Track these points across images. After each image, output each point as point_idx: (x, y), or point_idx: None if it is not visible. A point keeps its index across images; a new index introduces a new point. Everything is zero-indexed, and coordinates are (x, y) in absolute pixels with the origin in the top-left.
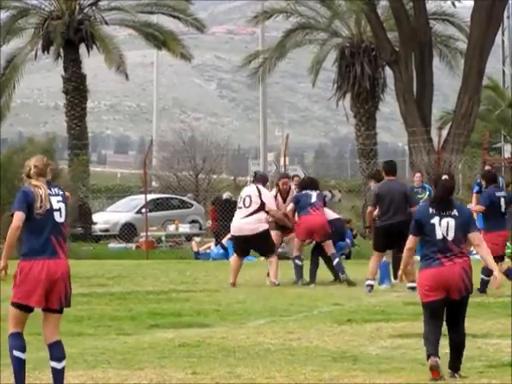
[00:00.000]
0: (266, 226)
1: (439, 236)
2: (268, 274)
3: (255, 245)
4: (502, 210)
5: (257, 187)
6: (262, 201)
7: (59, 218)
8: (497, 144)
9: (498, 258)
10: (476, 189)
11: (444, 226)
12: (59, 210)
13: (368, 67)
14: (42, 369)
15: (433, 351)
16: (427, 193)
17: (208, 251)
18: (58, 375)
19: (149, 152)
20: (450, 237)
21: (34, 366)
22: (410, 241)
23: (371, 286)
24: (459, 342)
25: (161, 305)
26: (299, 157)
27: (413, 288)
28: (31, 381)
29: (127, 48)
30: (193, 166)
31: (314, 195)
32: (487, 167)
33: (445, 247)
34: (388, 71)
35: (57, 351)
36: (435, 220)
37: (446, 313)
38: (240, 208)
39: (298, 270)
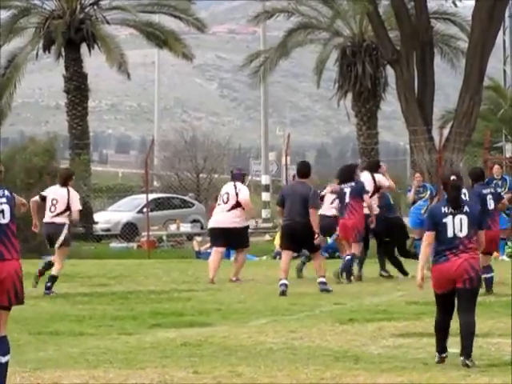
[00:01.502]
0: (245, 224)
1: (450, 234)
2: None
3: (231, 238)
4: (490, 207)
5: (234, 184)
6: (238, 197)
7: (2, 219)
8: (498, 143)
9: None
10: None
11: (458, 223)
12: (2, 211)
13: (369, 66)
14: (44, 368)
15: (440, 347)
16: (428, 192)
17: (209, 250)
18: (1, 369)
19: (150, 151)
20: (464, 233)
21: (36, 365)
22: (427, 237)
23: (285, 285)
24: (469, 328)
25: (162, 304)
26: (301, 156)
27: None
28: (32, 380)
29: (128, 47)
30: (194, 165)
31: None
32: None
33: (455, 244)
34: (389, 70)
35: (1, 346)
36: (448, 219)
37: (457, 302)
38: (219, 205)
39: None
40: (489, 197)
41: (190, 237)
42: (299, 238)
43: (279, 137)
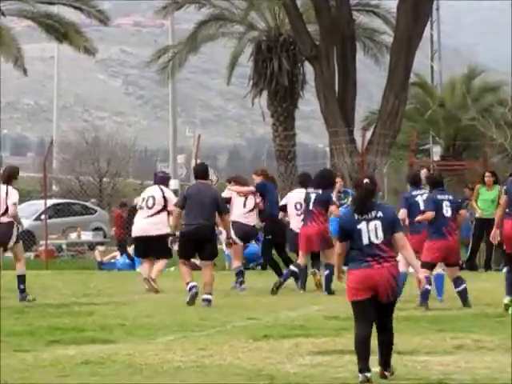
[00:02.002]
0: (168, 230)
1: (366, 241)
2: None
3: (154, 246)
4: (446, 214)
5: (160, 188)
6: (165, 201)
7: None
8: (425, 145)
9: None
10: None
11: (372, 229)
12: None
13: (286, 62)
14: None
15: (363, 366)
16: (350, 198)
17: (113, 261)
18: None
19: (49, 153)
20: (379, 239)
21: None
22: (338, 247)
23: (196, 287)
24: (387, 340)
25: (62, 319)
26: (212, 159)
27: None
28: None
29: (25, 41)
30: (96, 168)
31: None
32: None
33: (372, 251)
34: (308, 67)
35: None
36: (362, 225)
37: (375, 315)
38: (142, 208)
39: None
40: (446, 203)
41: (91, 246)
42: (201, 244)
43: (189, 138)
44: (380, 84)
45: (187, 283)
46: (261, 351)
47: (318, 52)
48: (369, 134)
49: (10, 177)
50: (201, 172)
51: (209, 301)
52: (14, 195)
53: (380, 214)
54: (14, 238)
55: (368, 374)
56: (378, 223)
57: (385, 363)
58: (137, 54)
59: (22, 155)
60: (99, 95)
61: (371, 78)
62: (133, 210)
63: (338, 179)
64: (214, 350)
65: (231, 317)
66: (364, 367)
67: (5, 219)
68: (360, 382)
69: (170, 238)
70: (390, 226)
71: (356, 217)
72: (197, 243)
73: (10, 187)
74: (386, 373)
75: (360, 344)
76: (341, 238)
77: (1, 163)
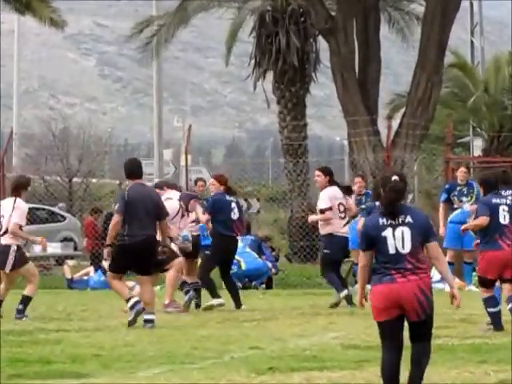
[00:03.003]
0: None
1: (392, 250)
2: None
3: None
4: (504, 221)
5: (15, 199)
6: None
7: None
8: (464, 138)
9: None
10: (444, 197)
11: (399, 237)
12: None
13: (295, 38)
14: None
15: None
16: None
17: (85, 278)
18: None
19: (7, 148)
20: (407, 249)
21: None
22: (362, 257)
23: (139, 303)
24: (422, 355)
25: (24, 348)
26: (205, 155)
27: None
28: None
29: None
30: (66, 167)
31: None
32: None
33: (398, 262)
34: (322, 43)
35: None
36: (387, 232)
37: (409, 331)
38: None
39: None
40: (502, 208)
41: (59, 260)
42: (144, 257)
43: (177, 129)
44: (409, 63)
45: (128, 300)
46: None
47: (334, 25)
48: (396, 125)
49: (18, 188)
50: (136, 169)
51: (152, 321)
52: (18, 211)
53: (409, 219)
54: (10, 263)
55: None
56: (406, 230)
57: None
58: (114, 27)
59: None
60: (68, 78)
61: (398, 57)
62: (109, 217)
63: (358, 179)
64: None
65: (229, 346)
66: None
67: (3, 241)
68: None
69: (106, 250)
70: (421, 233)
71: (381, 222)
72: (139, 257)
73: (18, 200)
74: None
75: (386, 371)
76: (364, 246)
77: None
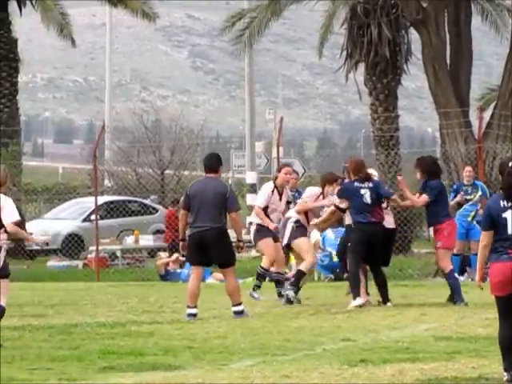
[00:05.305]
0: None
1: (511, 231)
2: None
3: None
4: None
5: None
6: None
7: None
8: None
9: None
10: (452, 197)
11: None
12: None
13: (387, 29)
14: None
15: (507, 366)
16: (479, 193)
17: (178, 271)
18: None
19: (100, 141)
20: None
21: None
22: (484, 237)
23: (193, 316)
24: None
25: (117, 341)
26: (297, 147)
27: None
28: None
29: (72, 5)
30: (158, 159)
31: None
32: None
33: None
34: (413, 34)
35: None
36: (508, 214)
37: None
38: None
39: None
40: None
41: (151, 253)
42: (210, 249)
43: (269, 121)
44: (500, 54)
45: (187, 306)
46: (358, 379)
47: (426, 16)
48: (487, 116)
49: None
50: (209, 163)
51: (240, 312)
52: (8, 208)
53: None
54: None
55: None
56: None
57: None
58: (206, 19)
59: (67, 143)
60: (160, 70)
61: (489, 49)
62: None
63: (468, 168)
64: (300, 377)
65: (321, 338)
66: (509, 366)
67: None
68: (506, 380)
69: (181, 244)
70: None
71: (502, 204)
72: (207, 248)
73: (2, 196)
74: None
75: (502, 344)
76: (486, 226)
77: (42, 153)
